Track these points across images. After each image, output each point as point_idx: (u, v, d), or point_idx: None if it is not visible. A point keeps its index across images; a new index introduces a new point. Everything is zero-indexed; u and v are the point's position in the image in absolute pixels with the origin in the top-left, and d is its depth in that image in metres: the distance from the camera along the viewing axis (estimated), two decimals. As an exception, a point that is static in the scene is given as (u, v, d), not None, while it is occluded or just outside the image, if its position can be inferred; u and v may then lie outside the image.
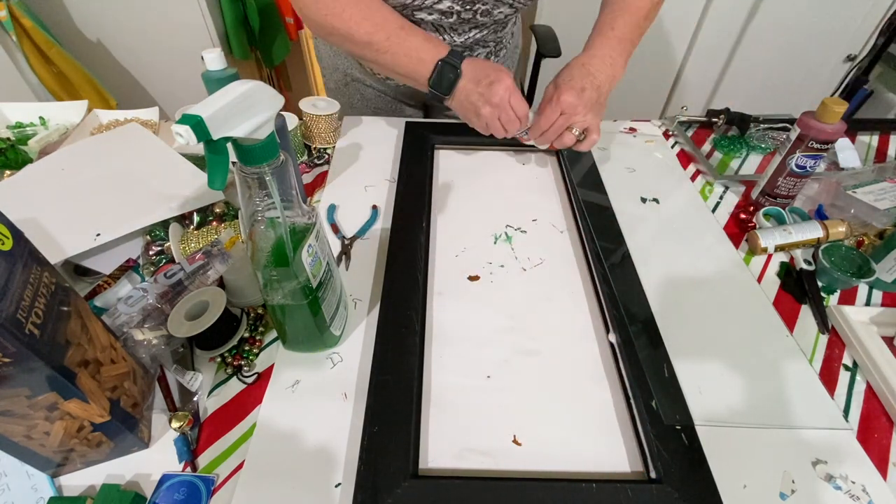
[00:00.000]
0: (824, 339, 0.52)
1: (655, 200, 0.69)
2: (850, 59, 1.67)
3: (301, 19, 0.68)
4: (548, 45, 1.27)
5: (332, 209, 0.66)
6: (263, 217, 0.38)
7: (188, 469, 0.41)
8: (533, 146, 0.71)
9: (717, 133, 0.86)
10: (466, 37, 0.75)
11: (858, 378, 0.49)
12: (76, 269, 0.56)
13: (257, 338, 0.50)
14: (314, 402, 0.45)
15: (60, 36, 1.37)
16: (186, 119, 0.30)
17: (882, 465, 0.42)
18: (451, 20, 0.70)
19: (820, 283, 0.58)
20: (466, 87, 0.64)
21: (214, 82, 0.60)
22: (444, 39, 0.74)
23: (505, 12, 0.71)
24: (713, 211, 0.69)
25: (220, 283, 0.53)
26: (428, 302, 0.54)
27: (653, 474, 0.40)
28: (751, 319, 0.54)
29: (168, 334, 0.46)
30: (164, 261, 0.58)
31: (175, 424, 0.42)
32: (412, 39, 0.64)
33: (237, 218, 0.62)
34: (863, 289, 0.58)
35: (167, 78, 1.60)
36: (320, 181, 0.73)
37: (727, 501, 0.38)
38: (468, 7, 0.68)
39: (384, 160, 0.75)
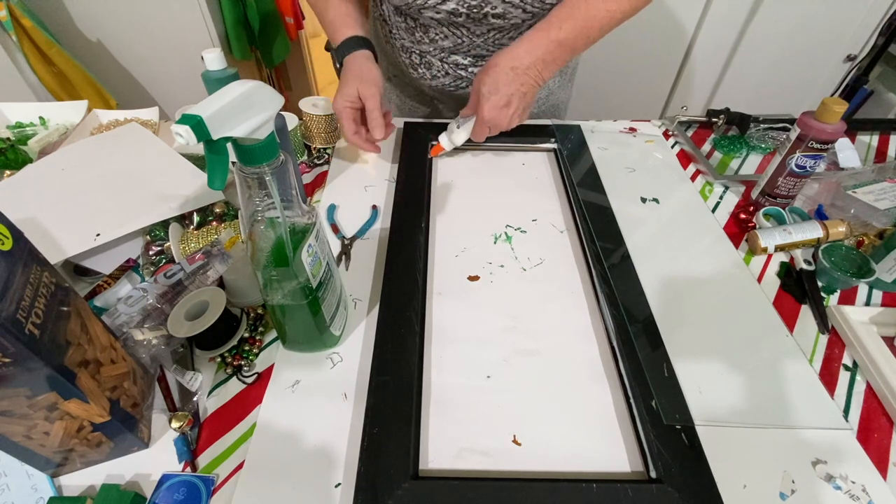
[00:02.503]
0: (824, 339, 0.52)
1: (655, 200, 0.69)
2: (850, 59, 1.66)
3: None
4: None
5: (331, 209, 0.66)
6: (263, 217, 0.38)
7: (188, 469, 0.41)
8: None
9: (717, 133, 0.86)
10: (486, 37, 0.74)
11: (858, 378, 0.49)
12: (76, 269, 0.56)
13: (257, 338, 0.50)
14: (314, 402, 0.45)
15: (60, 36, 1.37)
16: (186, 119, 0.30)
17: (882, 465, 0.42)
18: (460, 19, 0.69)
19: (820, 283, 0.58)
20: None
21: (214, 82, 0.61)
22: (463, 41, 0.74)
23: (520, 16, 0.69)
24: (713, 211, 0.69)
25: (220, 283, 0.53)
26: (428, 302, 0.54)
27: (653, 474, 0.40)
28: (751, 319, 0.54)
29: (168, 334, 0.46)
30: (163, 261, 0.58)
31: (175, 424, 0.42)
32: (331, 12, 0.70)
33: (237, 218, 0.62)
34: (863, 289, 0.58)
35: (167, 78, 1.59)
36: (320, 181, 0.73)
37: (727, 501, 0.38)
38: (476, 10, 0.67)
39: (384, 160, 0.75)
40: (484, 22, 0.69)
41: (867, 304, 0.56)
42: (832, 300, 0.57)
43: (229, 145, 0.33)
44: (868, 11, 1.56)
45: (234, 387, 0.47)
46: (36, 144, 0.75)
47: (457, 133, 0.69)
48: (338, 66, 0.70)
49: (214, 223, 0.61)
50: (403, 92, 0.91)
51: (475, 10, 0.67)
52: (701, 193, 0.72)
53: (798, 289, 0.57)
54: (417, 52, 0.79)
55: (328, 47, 0.76)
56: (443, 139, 0.71)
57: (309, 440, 0.43)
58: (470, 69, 0.79)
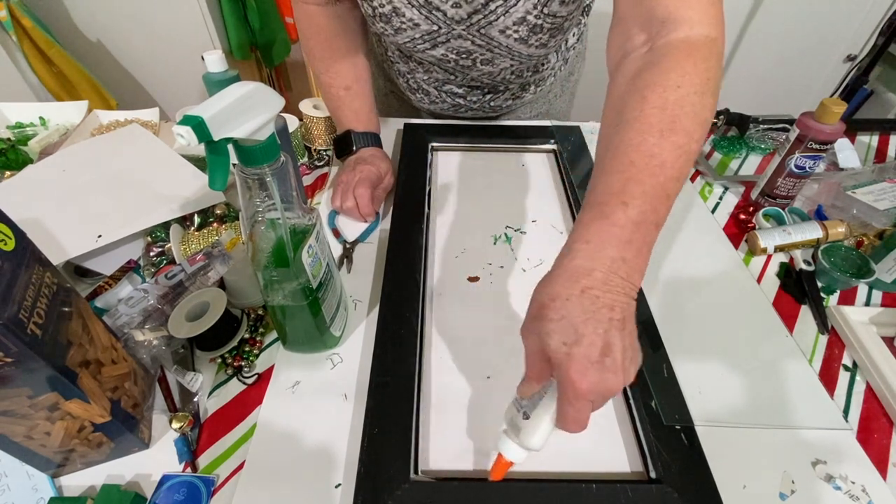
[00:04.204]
0: (824, 339, 0.52)
1: (655, 201, 0.69)
2: (850, 59, 1.67)
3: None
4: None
5: (333, 214, 0.66)
6: (264, 218, 0.38)
7: (188, 469, 0.41)
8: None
9: (717, 133, 0.86)
10: (479, 82, 0.75)
11: (858, 378, 0.49)
12: (77, 269, 0.56)
13: (257, 338, 0.51)
14: (314, 402, 0.45)
15: (60, 36, 1.37)
16: (188, 120, 0.30)
17: (882, 465, 0.42)
18: (450, 65, 0.69)
19: (819, 284, 0.58)
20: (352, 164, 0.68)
21: (215, 84, 0.61)
22: (456, 76, 0.74)
23: (507, 63, 0.67)
24: (713, 211, 0.69)
25: (221, 283, 0.54)
26: (427, 303, 0.54)
27: (653, 474, 0.40)
28: (751, 320, 0.54)
29: (169, 335, 0.46)
30: (164, 262, 0.58)
31: (175, 425, 0.42)
32: (346, 106, 0.70)
33: (238, 219, 0.62)
34: (862, 289, 0.58)
35: (167, 78, 1.60)
36: (320, 183, 0.73)
37: (727, 501, 0.38)
38: (464, 56, 0.66)
39: (384, 161, 0.75)
40: (473, 68, 0.69)
41: (867, 304, 0.56)
42: (832, 300, 0.57)
43: (230, 146, 0.33)
44: (868, 11, 1.56)
45: (235, 387, 0.47)
46: (36, 145, 0.75)
47: (530, 430, 0.36)
48: (354, 148, 0.69)
49: (215, 224, 0.61)
50: (400, 109, 0.90)
51: (463, 56, 0.66)
52: (700, 194, 0.72)
53: (798, 289, 0.57)
54: (413, 79, 0.79)
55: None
56: (509, 448, 0.36)
57: (309, 440, 0.43)
58: (468, 98, 0.79)
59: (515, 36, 0.61)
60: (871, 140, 0.86)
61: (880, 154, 0.83)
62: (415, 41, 0.64)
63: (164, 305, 0.49)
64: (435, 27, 0.61)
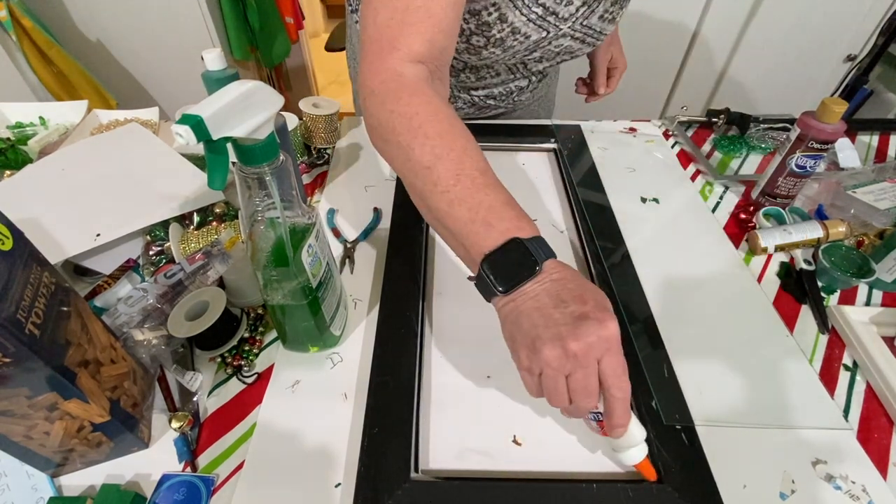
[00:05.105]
0: (824, 339, 0.52)
1: (655, 200, 0.69)
2: (850, 59, 1.66)
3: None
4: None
5: (331, 213, 0.66)
6: (263, 217, 0.38)
7: (188, 469, 0.41)
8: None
9: (717, 133, 0.86)
10: (537, 74, 0.75)
11: (858, 378, 0.49)
12: (76, 269, 0.56)
13: (257, 338, 0.51)
14: (314, 402, 0.45)
15: (60, 36, 1.37)
16: (186, 119, 0.30)
17: (882, 465, 0.42)
18: (521, 67, 0.70)
19: (820, 283, 0.58)
20: (536, 299, 0.37)
21: (214, 82, 0.60)
22: (515, 76, 0.73)
23: (585, 51, 0.69)
24: (713, 211, 0.69)
25: (220, 283, 0.53)
26: (427, 302, 0.54)
27: (653, 474, 0.40)
28: (751, 319, 0.53)
29: (168, 334, 0.46)
30: (164, 261, 0.58)
31: (175, 424, 0.42)
32: (491, 193, 0.41)
33: (237, 218, 0.62)
34: (863, 289, 0.58)
35: (167, 78, 1.59)
36: (320, 181, 0.73)
37: (727, 501, 0.38)
38: (553, 55, 0.67)
39: (384, 160, 0.75)
40: (546, 60, 0.69)
41: (867, 304, 0.56)
42: (832, 300, 0.57)
43: (229, 145, 0.33)
44: (868, 11, 1.56)
45: (234, 387, 0.47)
46: (36, 144, 0.75)
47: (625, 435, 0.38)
48: (525, 270, 0.38)
49: (214, 223, 0.61)
50: None
51: (551, 56, 0.67)
52: (701, 193, 0.72)
53: (798, 289, 0.57)
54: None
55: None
56: (632, 456, 0.39)
57: (309, 440, 0.43)
58: (500, 99, 0.79)
59: (610, 17, 0.63)
60: (871, 140, 0.85)
61: (880, 154, 0.83)
62: (516, 53, 0.64)
63: (163, 304, 0.49)
64: (544, 33, 0.61)
